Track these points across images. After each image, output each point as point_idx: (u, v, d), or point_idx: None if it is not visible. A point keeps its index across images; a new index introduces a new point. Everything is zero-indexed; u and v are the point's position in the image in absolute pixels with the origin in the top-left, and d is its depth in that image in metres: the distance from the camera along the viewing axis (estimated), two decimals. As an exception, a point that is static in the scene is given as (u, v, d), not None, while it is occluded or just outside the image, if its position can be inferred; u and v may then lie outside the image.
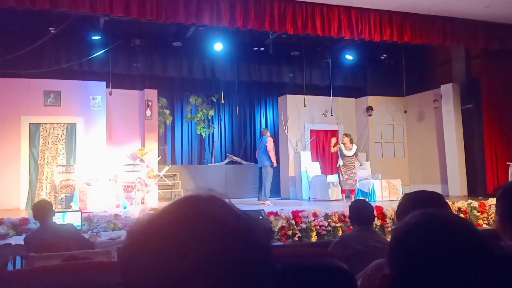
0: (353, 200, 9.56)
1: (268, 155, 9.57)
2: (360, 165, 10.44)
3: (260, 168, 9.81)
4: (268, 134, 9.98)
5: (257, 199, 9.83)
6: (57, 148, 9.96)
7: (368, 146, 12.43)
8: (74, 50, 9.81)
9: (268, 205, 9.05)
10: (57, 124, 9.99)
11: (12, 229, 6.30)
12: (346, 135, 10.24)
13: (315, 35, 8.54)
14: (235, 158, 13.75)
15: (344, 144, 10.02)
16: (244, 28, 8.06)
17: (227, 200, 0.66)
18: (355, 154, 10.03)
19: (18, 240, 5.24)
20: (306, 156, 11.49)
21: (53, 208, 4.70)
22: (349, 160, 9.96)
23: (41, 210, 4.41)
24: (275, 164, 9.78)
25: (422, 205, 1.79)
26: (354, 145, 10.18)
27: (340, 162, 10.03)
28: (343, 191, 10.33)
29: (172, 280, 0.58)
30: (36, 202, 5.12)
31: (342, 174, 9.99)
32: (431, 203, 1.84)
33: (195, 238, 0.59)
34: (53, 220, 4.54)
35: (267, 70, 11.48)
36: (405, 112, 12.07)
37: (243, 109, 14.45)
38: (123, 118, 10.87)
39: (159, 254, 0.59)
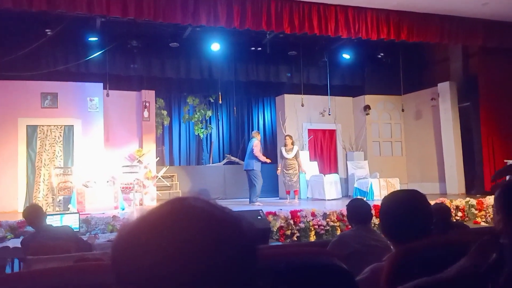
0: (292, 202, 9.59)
1: (257, 159, 9.55)
2: (302, 171, 10.16)
3: (247, 171, 9.77)
4: (258, 137, 9.93)
5: (248, 201, 9.72)
6: (55, 150, 9.92)
7: (366, 145, 12.43)
8: (71, 51, 9.80)
9: (259, 205, 9.01)
10: (55, 126, 9.96)
11: (10, 231, 6.29)
12: (289, 136, 10.16)
13: (312, 35, 8.53)
14: (233, 158, 13.73)
15: (285, 146, 9.94)
16: (241, 28, 8.05)
17: (211, 200, 0.70)
18: (296, 157, 9.84)
19: (16, 243, 5.22)
20: (304, 155, 11.48)
21: (44, 210, 4.67)
22: (289, 162, 9.82)
23: (32, 214, 4.38)
24: (268, 160, 9.79)
25: (410, 205, 1.84)
26: (295, 147, 9.98)
27: (281, 164, 9.94)
28: (287, 192, 10.17)
29: (162, 272, 0.60)
30: (24, 209, 5.08)
31: (284, 176, 9.92)
32: (417, 201, 1.87)
33: (183, 230, 0.62)
34: (49, 223, 4.52)
35: (265, 70, 11.48)
36: (403, 110, 12.06)
37: (240, 109, 14.44)
38: (120, 119, 10.85)
39: (149, 247, 0.62)
